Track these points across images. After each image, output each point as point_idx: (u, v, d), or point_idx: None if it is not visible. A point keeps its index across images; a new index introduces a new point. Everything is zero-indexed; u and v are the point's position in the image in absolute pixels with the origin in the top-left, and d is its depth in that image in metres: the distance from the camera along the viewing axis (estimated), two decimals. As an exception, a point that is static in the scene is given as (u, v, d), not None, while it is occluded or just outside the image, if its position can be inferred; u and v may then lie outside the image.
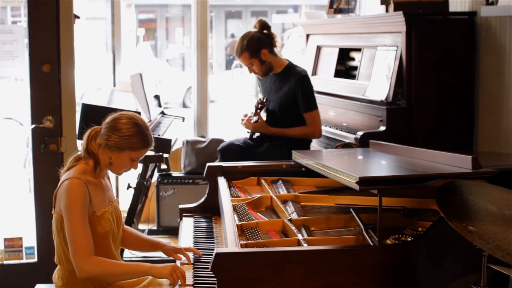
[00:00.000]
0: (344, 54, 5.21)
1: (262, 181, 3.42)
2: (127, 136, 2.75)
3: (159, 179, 5.49)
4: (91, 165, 2.80)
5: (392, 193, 2.98)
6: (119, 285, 2.83)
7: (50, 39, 4.04)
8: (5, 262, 4.26)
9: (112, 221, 2.85)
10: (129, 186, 4.80)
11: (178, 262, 2.81)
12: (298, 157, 3.44)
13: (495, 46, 4.27)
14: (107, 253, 2.79)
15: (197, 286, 2.58)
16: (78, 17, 4.29)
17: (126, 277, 2.79)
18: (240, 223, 2.78)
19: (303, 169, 3.43)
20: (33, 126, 4.07)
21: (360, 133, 4.27)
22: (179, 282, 2.60)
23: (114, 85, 5.75)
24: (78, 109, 4.23)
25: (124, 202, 5.31)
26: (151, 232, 5.40)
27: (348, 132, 4.53)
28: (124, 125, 2.77)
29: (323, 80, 5.28)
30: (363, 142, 4.14)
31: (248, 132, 4.47)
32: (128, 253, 4.83)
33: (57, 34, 4.05)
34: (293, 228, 2.69)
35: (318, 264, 2.38)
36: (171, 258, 2.93)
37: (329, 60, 5.32)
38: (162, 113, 5.43)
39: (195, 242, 3.07)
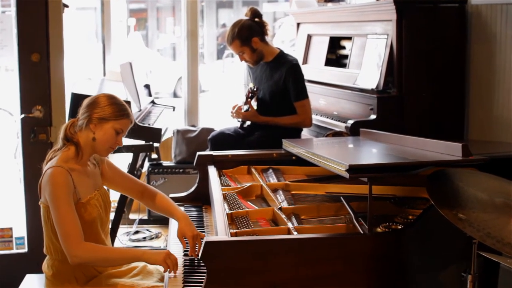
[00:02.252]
0: (335, 43, 5.20)
1: (253, 170, 3.41)
2: (107, 105, 2.76)
3: (150, 169, 5.49)
4: (73, 151, 2.78)
5: (383, 181, 2.98)
6: (109, 274, 2.82)
7: (39, 28, 4.00)
8: (-5, 252, 4.25)
9: (100, 207, 2.83)
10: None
11: (171, 250, 2.78)
12: (289, 145, 3.43)
13: (485, 34, 4.27)
14: (96, 240, 2.76)
15: (188, 275, 2.58)
16: (67, 6, 4.26)
17: (119, 262, 2.77)
18: (230, 212, 2.78)
19: (294, 157, 3.43)
20: (22, 115, 4.04)
21: (350, 122, 4.27)
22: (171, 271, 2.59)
23: (104, 75, 5.73)
24: (68, 99, 4.21)
25: (115, 191, 5.29)
26: (141, 221, 5.39)
27: (338, 120, 4.52)
28: (101, 98, 2.80)
29: (314, 68, 5.27)
30: (354, 130, 4.14)
31: (238, 121, 4.46)
32: (118, 242, 4.83)
33: (46, 24, 4.01)
34: (283, 216, 2.69)
35: (308, 253, 2.38)
36: (161, 247, 2.91)
37: (320, 49, 5.30)
38: (153, 102, 5.42)
39: (185, 231, 3.06)
